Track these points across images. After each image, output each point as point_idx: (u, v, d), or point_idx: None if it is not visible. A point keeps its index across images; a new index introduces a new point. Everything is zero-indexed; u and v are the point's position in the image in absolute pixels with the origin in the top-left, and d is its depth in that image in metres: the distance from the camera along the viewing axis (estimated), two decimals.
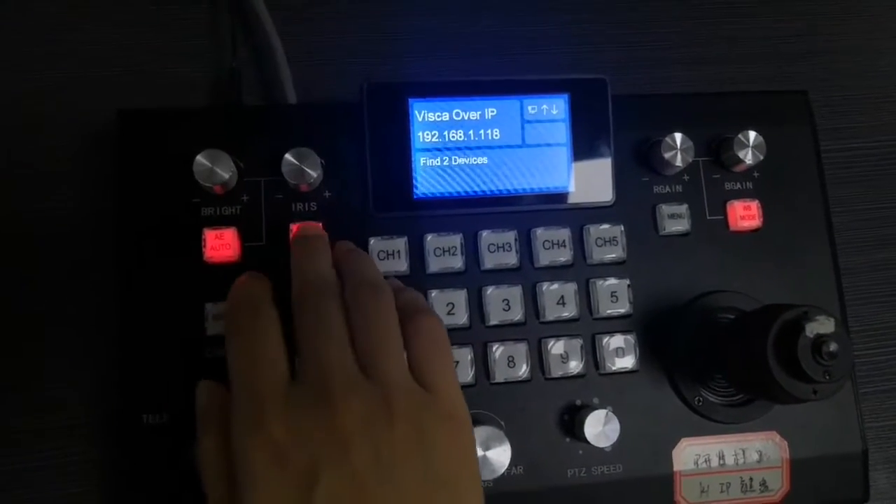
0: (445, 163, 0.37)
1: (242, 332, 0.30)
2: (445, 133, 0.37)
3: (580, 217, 0.38)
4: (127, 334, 0.35)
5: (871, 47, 0.48)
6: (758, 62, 0.47)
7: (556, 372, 0.37)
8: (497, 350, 0.36)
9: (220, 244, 0.35)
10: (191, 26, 0.43)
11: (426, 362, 0.29)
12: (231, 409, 0.28)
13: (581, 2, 0.46)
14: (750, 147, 0.38)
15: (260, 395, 0.27)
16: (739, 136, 0.38)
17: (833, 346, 0.30)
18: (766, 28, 0.48)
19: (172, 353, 0.35)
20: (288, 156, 0.35)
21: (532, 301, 0.37)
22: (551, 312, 0.37)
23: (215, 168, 0.34)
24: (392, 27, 0.44)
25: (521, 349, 0.36)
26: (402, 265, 0.36)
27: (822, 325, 0.31)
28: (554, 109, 0.38)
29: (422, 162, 0.37)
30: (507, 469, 0.34)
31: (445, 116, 0.37)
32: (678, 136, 0.38)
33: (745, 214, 0.39)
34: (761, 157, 0.38)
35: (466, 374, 0.36)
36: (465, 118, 0.37)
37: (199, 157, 0.34)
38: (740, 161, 0.38)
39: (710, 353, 0.36)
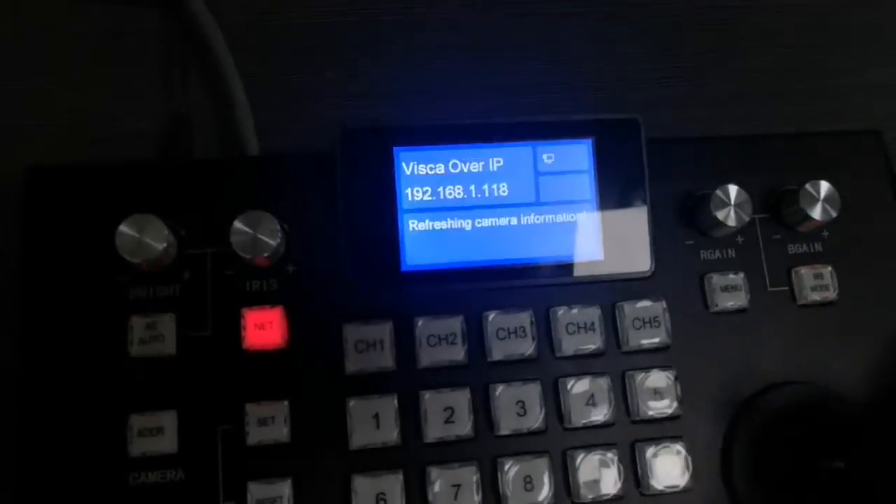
0: (441, 227, 0.30)
1: None
2: (440, 189, 0.30)
3: (611, 292, 0.31)
4: (27, 455, 0.27)
5: None
6: (802, 99, 0.40)
7: (587, 495, 0.29)
8: (510, 469, 0.29)
9: (152, 335, 0.28)
10: (135, 65, 0.36)
11: None
12: None
13: (597, 33, 0.40)
14: (820, 201, 0.31)
15: None
16: (807, 186, 0.31)
17: None
18: (808, 58, 0.41)
19: (86, 480, 0.27)
20: (237, 223, 0.27)
21: (554, 401, 0.30)
22: (579, 417, 0.30)
23: (144, 238, 0.27)
24: (376, 63, 0.38)
25: (541, 466, 0.29)
26: (387, 359, 0.29)
27: None
28: (575, 158, 0.31)
29: (411, 226, 0.30)
30: None
31: (440, 169, 0.30)
32: (732, 190, 0.30)
33: (815, 284, 0.32)
34: (834, 214, 0.31)
35: (472, 500, 0.28)
36: (465, 171, 0.30)
37: (122, 227, 0.27)
38: (808, 218, 0.31)
39: (782, 462, 0.28)
